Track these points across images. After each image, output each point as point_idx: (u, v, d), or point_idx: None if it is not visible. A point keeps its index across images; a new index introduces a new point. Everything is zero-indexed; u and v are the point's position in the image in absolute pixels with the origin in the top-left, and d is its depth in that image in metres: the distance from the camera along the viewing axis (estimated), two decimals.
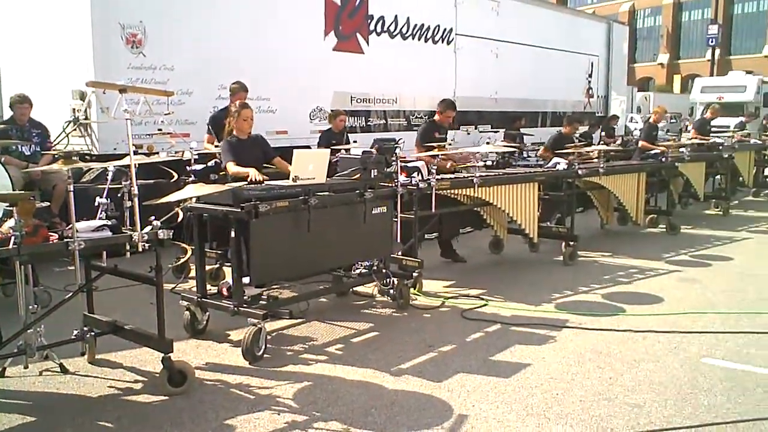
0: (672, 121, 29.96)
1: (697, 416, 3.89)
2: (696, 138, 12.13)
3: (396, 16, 11.26)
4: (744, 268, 7.55)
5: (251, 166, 5.68)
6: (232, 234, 4.76)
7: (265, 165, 6.02)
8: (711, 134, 12.84)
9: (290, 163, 5.13)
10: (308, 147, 8.97)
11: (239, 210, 4.61)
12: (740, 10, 73.88)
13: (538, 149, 10.47)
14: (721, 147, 11.63)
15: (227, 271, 6.09)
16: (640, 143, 10.85)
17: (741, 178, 12.90)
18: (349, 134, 9.33)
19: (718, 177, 12.13)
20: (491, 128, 13.37)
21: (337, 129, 9.02)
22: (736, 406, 4.03)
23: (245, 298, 4.90)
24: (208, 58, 8.65)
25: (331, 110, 9.55)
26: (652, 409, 3.98)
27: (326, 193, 5.26)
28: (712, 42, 38.54)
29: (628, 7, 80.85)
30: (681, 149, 10.28)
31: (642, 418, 3.85)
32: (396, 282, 5.89)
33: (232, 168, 5.72)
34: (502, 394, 4.19)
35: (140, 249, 3.96)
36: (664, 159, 9.69)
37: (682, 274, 7.32)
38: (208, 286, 5.34)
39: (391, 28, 11.23)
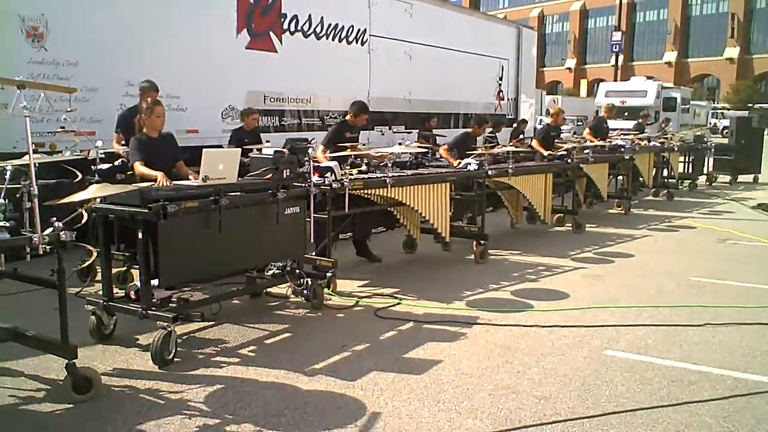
0: (578, 123, 31.05)
1: (599, 406, 4.06)
2: (589, 137, 12.54)
3: (310, 16, 11.22)
4: (644, 264, 7.92)
5: (161, 165, 5.56)
6: (140, 235, 4.63)
7: None
8: (609, 132, 13.35)
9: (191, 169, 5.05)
10: (220, 146, 8.83)
11: (147, 210, 4.49)
12: (642, 19, 77.71)
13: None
14: (622, 149, 12.13)
15: (136, 273, 5.92)
16: (533, 142, 11.12)
17: (641, 179, 13.51)
18: (262, 134, 9.22)
19: (620, 178, 12.66)
20: (405, 129, 13.50)
21: (249, 127, 8.85)
22: (635, 395, 4.23)
23: (154, 300, 4.78)
24: (114, 54, 8.39)
25: (244, 108, 9.41)
26: (558, 400, 4.13)
27: (238, 193, 5.20)
28: (615, 48, 40.18)
29: (537, 13, 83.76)
30: (585, 151, 10.66)
31: (548, 410, 3.99)
32: (310, 282, 5.88)
33: (140, 168, 5.59)
34: (415, 390, 4.25)
35: (41, 252, 3.82)
36: (569, 160, 10.03)
37: (587, 270, 7.61)
38: (116, 290, 5.18)
39: (305, 27, 11.18)
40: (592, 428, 3.78)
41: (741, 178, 17.39)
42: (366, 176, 6.93)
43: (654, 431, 3.75)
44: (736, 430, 3.77)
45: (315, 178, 6.09)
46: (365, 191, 6.70)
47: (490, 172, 8.17)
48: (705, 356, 4.92)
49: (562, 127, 13.41)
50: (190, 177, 5.53)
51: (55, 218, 3.89)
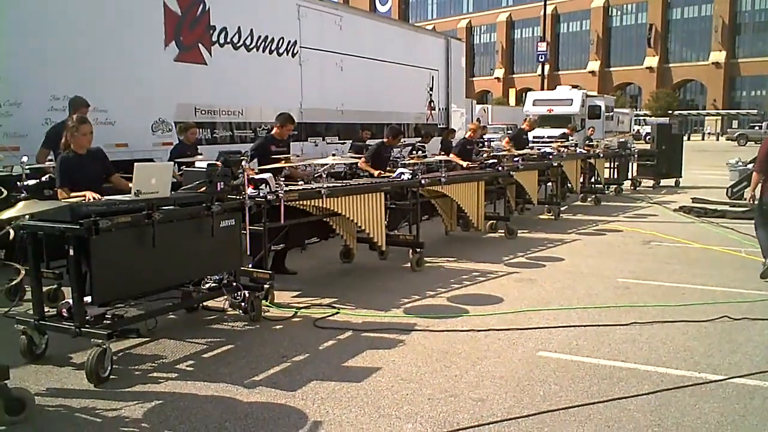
0: (508, 131, 31.71)
1: (534, 405, 4.19)
2: (508, 146, 12.76)
3: (239, 28, 11.16)
4: (573, 267, 8.17)
5: (89, 183, 5.42)
6: (71, 252, 4.54)
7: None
8: (528, 144, 13.68)
9: (130, 180, 4.97)
10: (151, 160, 8.70)
11: (78, 226, 4.41)
12: (566, 29, 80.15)
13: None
14: (550, 156, 12.48)
15: (67, 291, 5.78)
16: (450, 156, 11.21)
17: (569, 185, 13.93)
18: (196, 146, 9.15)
19: (550, 184, 13.02)
20: (338, 140, 13.55)
21: (188, 142, 8.86)
22: (568, 393, 4.38)
23: (88, 318, 4.69)
24: (39, 67, 8.16)
25: (182, 123, 9.32)
26: (494, 402, 4.24)
27: (171, 206, 5.15)
28: (541, 58, 41.28)
29: (465, 24, 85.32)
30: (515, 159, 10.94)
31: (485, 411, 4.09)
32: (247, 294, 5.86)
33: (63, 194, 5.40)
34: (355, 398, 4.29)
35: None
36: (500, 168, 10.25)
37: (520, 275, 7.80)
38: (46, 308, 5.04)
39: (235, 40, 11.12)
40: (528, 427, 3.90)
41: (663, 182, 18.10)
42: (301, 187, 6.95)
43: (586, 427, 3.90)
44: (662, 423, 3.94)
45: (249, 191, 6.08)
46: (300, 202, 6.71)
47: (423, 181, 8.30)
48: (632, 354, 5.13)
49: (486, 136, 13.62)
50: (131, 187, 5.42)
51: None
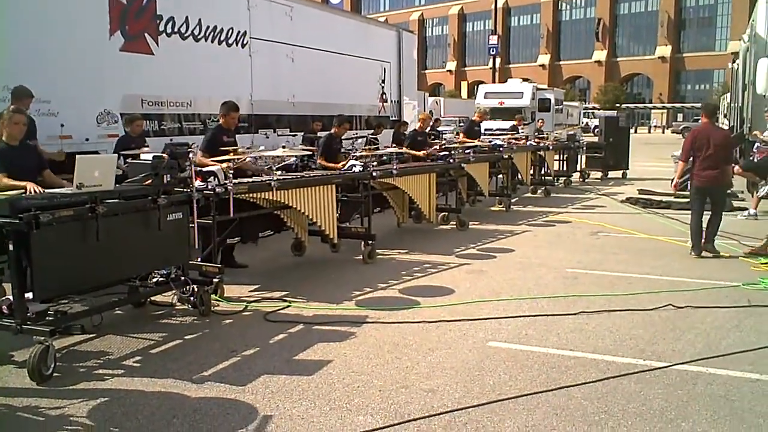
0: (461, 124, 31.91)
1: (484, 395, 4.23)
2: (464, 139, 12.90)
3: (187, 17, 10.93)
4: (523, 258, 8.27)
5: (24, 175, 5.27)
6: (11, 247, 4.40)
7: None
8: (481, 135, 13.84)
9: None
10: (96, 152, 8.48)
11: (17, 221, 4.27)
12: (517, 23, 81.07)
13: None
14: (501, 149, 12.60)
15: (8, 287, 5.60)
16: (403, 148, 11.22)
17: (520, 177, 14.08)
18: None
19: (501, 176, 13.14)
20: (290, 132, 13.43)
21: (134, 133, 8.66)
22: (517, 382, 4.44)
23: (29, 314, 4.55)
24: None
25: (128, 115, 9.11)
26: (445, 392, 4.26)
27: (116, 200, 5.03)
28: (493, 51, 41.63)
29: (417, 16, 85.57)
30: (466, 151, 11.01)
31: (436, 402, 4.11)
32: (196, 289, 5.77)
33: (4, 181, 5.27)
34: (306, 391, 4.27)
35: None
36: (452, 160, 10.31)
37: (471, 266, 7.86)
38: None
39: (183, 29, 10.89)
40: (478, 416, 3.93)
41: (611, 174, 18.48)
42: (250, 180, 6.86)
43: (534, 415, 3.95)
44: (608, 410, 4.02)
45: (198, 183, 5.98)
46: (250, 195, 6.63)
47: (374, 174, 8.28)
48: (580, 343, 5.22)
49: (440, 129, 13.68)
50: (65, 185, 5.29)
51: None
